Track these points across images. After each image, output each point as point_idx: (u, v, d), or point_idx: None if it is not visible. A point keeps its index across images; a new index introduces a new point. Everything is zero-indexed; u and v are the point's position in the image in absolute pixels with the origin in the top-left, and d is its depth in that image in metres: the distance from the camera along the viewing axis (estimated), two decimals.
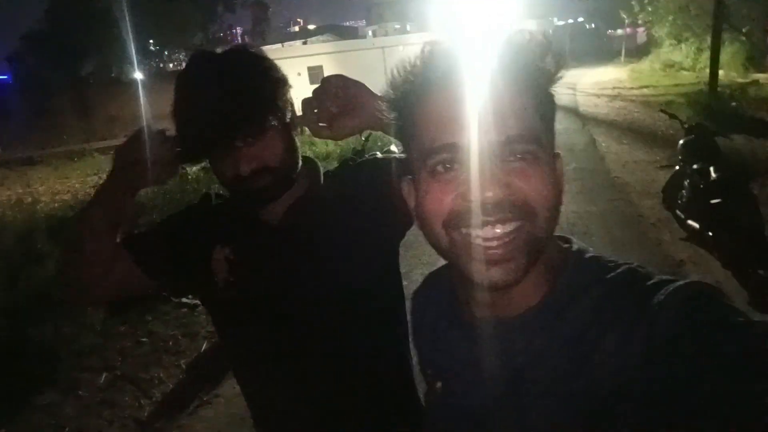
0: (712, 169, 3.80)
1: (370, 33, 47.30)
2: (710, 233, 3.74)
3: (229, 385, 3.21)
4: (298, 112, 0.97)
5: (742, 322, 0.47)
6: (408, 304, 0.77)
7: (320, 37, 36.50)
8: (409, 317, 0.78)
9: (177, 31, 27.46)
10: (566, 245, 0.62)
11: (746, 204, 3.51)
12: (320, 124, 0.94)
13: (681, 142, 4.31)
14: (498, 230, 0.53)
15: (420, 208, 0.58)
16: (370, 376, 1.07)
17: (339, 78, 0.95)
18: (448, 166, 0.54)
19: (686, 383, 0.45)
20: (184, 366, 3.55)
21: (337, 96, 0.94)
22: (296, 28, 62.61)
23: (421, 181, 0.57)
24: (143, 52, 27.76)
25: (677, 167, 4.24)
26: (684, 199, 4.15)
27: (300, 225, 1.01)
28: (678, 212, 4.25)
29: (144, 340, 3.92)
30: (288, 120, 0.96)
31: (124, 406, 3.20)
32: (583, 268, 0.58)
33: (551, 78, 0.56)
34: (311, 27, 53.52)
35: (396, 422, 1.11)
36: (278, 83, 0.94)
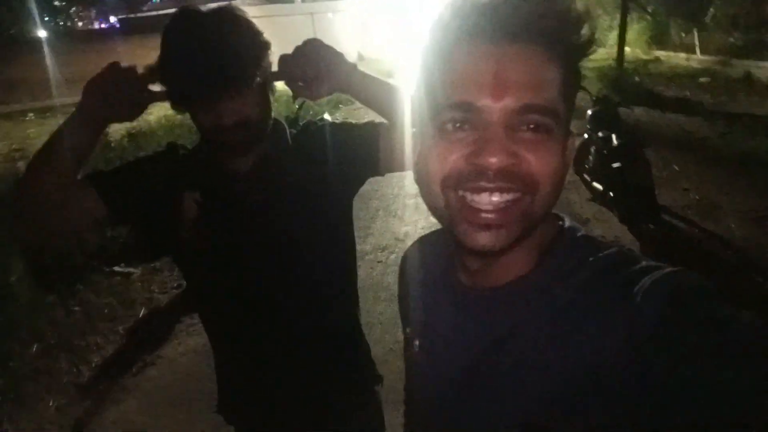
0: (614, 136, 4.24)
1: None
2: (611, 194, 4.21)
3: (172, 346, 3.28)
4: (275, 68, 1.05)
5: (725, 314, 0.46)
6: (400, 263, 0.80)
7: (246, 0, 34.95)
8: (399, 276, 0.79)
9: None
10: (559, 222, 0.61)
11: (641, 168, 3.98)
12: (299, 84, 1.05)
13: (589, 112, 4.73)
14: (495, 198, 0.51)
15: (421, 164, 0.57)
16: (318, 319, 1.17)
17: (317, 42, 1.03)
18: (458, 125, 0.52)
19: (665, 376, 0.44)
20: (122, 331, 3.56)
21: (315, 59, 1.02)
22: None
23: (428, 136, 0.55)
24: (49, 9, 25.36)
25: (585, 135, 4.67)
26: (590, 164, 4.61)
27: (264, 176, 1.10)
28: (585, 176, 4.72)
29: (76, 308, 3.86)
30: (267, 78, 1.04)
31: (61, 373, 3.18)
32: (574, 247, 0.57)
33: (582, 53, 0.53)
34: None
35: (341, 367, 1.23)
36: (263, 46, 1.02)
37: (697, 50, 13.32)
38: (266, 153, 1.12)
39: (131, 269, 4.32)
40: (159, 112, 10.40)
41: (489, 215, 0.52)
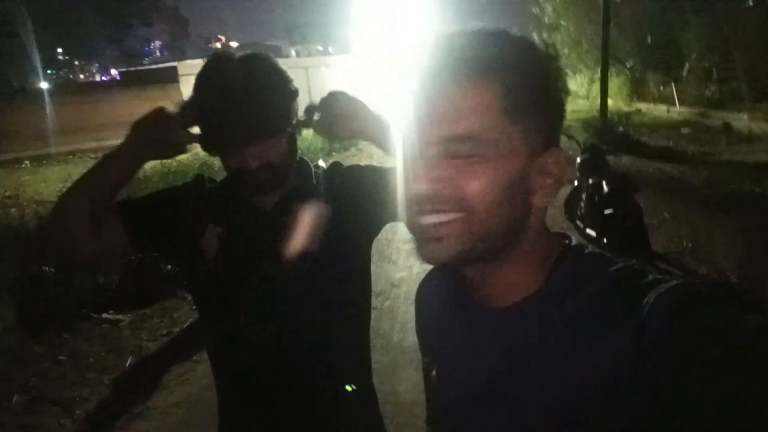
0: (604, 183, 4.32)
1: (293, 53, 47.24)
2: (604, 239, 4.25)
3: (161, 396, 3.17)
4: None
5: (730, 321, 0.47)
6: (416, 295, 0.81)
7: None
8: (415, 305, 0.81)
9: (84, 43, 25.98)
10: (566, 241, 0.63)
11: (633, 213, 4.04)
12: (322, 128, 1.13)
13: (578, 160, 4.83)
14: (432, 218, 0.56)
15: None
16: (330, 364, 1.15)
17: (342, 94, 1.12)
18: (408, 157, 0.59)
19: (672, 386, 0.45)
20: (109, 382, 3.45)
21: (338, 107, 1.11)
22: (218, 45, 61.12)
23: None
24: (51, 63, 25.99)
25: (575, 182, 4.75)
26: (582, 211, 4.67)
27: (288, 214, 1.10)
28: (578, 222, 4.77)
29: (62, 358, 3.76)
30: (292, 126, 1.10)
31: (45, 428, 3.06)
32: (581, 263, 0.58)
33: (511, 66, 0.55)
34: (234, 44, 52.45)
35: (349, 419, 1.18)
36: (291, 94, 1.08)
37: (676, 102, 13.78)
38: (291, 191, 1.14)
39: (120, 316, 4.25)
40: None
41: (430, 230, 0.57)
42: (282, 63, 1.12)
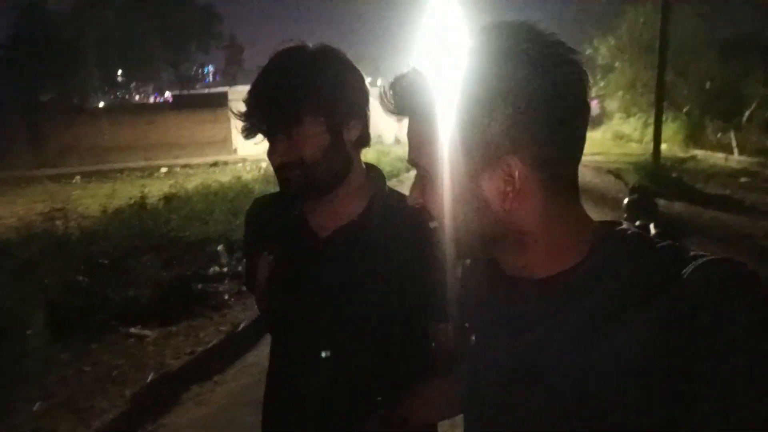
0: (651, 225, 4.10)
1: None
2: None
3: (177, 414, 3.10)
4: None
5: (764, 298, 0.48)
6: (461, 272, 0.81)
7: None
8: (460, 283, 0.81)
9: (144, 66, 27.43)
10: (612, 223, 0.63)
11: None
12: None
13: (626, 200, 4.64)
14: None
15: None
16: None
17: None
18: None
19: (700, 354, 0.47)
20: (129, 396, 3.40)
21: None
22: None
23: None
24: (110, 82, 27.50)
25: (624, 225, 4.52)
26: None
27: (345, 251, 1.00)
28: None
29: (87, 369, 3.75)
30: (340, 125, 0.97)
31: None
32: (624, 242, 0.58)
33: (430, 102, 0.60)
34: None
35: None
36: (340, 86, 0.96)
37: (735, 150, 13.27)
38: (355, 220, 1.01)
39: (147, 332, 4.23)
40: (198, 179, 10.79)
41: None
42: None
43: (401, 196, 1.05)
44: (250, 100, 0.96)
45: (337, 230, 1.01)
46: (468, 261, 0.79)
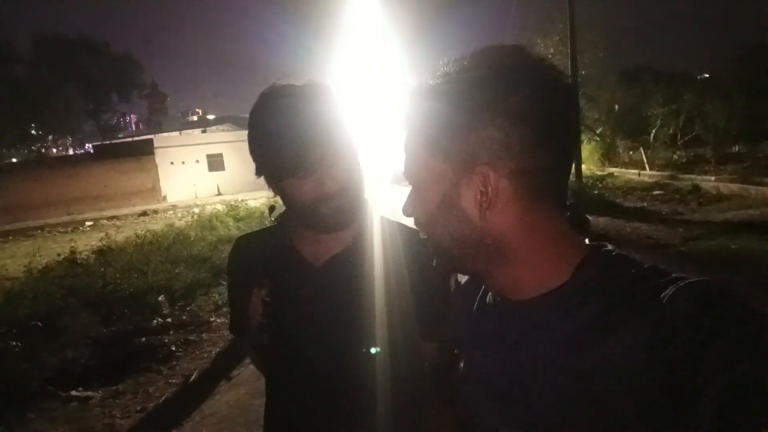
0: (586, 241, 4.36)
1: None
2: None
3: None
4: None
5: (747, 315, 0.48)
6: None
7: (220, 126, 36.00)
8: (454, 302, 0.82)
9: (61, 118, 26.11)
10: (597, 245, 0.64)
11: None
12: None
13: None
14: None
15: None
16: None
17: None
18: None
19: (687, 371, 0.47)
20: None
21: None
22: (194, 118, 61.72)
23: None
24: (23, 137, 25.89)
25: None
26: None
27: (340, 279, 1.00)
28: None
29: None
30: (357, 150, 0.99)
31: None
32: (608, 263, 0.59)
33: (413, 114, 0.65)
34: (210, 117, 52.97)
35: None
36: (346, 117, 0.97)
37: (646, 166, 14.41)
38: (345, 249, 1.02)
39: (90, 393, 3.96)
40: (128, 231, 10.29)
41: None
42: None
43: (390, 219, 1.08)
44: (272, 144, 0.94)
45: (332, 258, 1.01)
46: (458, 280, 0.80)
